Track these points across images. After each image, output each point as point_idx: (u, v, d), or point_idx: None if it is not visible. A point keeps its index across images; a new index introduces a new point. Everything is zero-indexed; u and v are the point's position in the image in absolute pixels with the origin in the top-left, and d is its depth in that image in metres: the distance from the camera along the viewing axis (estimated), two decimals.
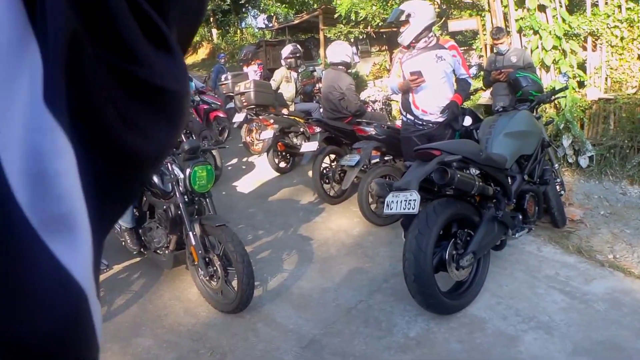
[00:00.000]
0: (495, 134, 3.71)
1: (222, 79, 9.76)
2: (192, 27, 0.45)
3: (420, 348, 2.97)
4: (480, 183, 3.24)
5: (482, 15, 7.89)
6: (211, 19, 22.59)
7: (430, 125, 4.15)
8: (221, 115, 8.15)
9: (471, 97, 6.87)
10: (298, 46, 8.18)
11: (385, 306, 3.43)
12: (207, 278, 3.47)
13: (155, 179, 3.63)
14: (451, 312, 3.23)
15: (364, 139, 5.02)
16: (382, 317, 3.31)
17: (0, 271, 0.26)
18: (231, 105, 8.45)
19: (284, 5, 19.65)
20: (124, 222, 3.90)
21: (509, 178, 3.63)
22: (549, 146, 4.26)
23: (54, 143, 0.29)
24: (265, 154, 6.57)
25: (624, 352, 2.76)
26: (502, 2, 6.85)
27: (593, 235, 4.27)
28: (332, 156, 5.65)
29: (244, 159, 7.63)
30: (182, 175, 3.48)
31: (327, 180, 5.44)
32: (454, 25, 8.48)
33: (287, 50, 7.84)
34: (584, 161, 5.65)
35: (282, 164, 6.77)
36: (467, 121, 4.31)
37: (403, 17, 3.97)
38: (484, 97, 7.47)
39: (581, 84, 6.47)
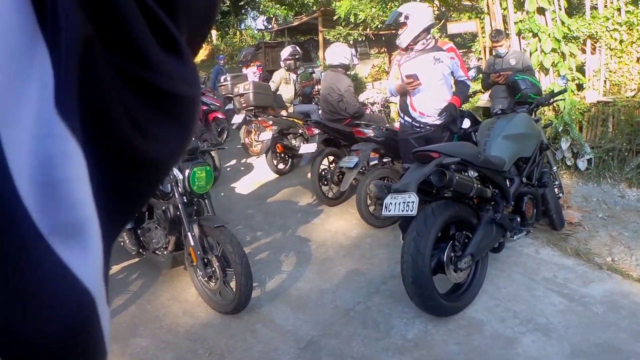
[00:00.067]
0: (493, 136, 3.72)
1: (221, 80, 9.78)
2: (203, 30, 0.44)
3: (418, 350, 2.97)
4: (479, 185, 3.24)
5: (482, 17, 7.90)
6: None
7: (428, 127, 4.15)
8: (220, 116, 8.17)
9: (470, 99, 6.87)
10: (297, 48, 8.20)
11: (383, 308, 3.43)
12: (206, 279, 3.47)
13: None
14: (449, 314, 3.23)
15: (362, 141, 5.03)
16: (380, 319, 3.31)
17: (7, 273, 0.26)
18: (230, 106, 8.47)
19: (283, 7, 19.64)
20: None
21: (507, 180, 3.64)
22: (548, 149, 4.27)
23: (65, 150, 0.29)
24: (264, 155, 6.57)
25: (622, 355, 2.76)
26: (501, 4, 6.86)
27: (591, 237, 4.28)
28: (331, 158, 5.66)
29: (243, 160, 7.63)
30: (181, 176, 3.48)
31: (325, 182, 5.44)
32: (453, 27, 8.49)
33: (286, 52, 7.85)
34: (582, 164, 5.66)
35: (281, 166, 6.78)
36: (466, 123, 4.31)
37: (401, 20, 3.98)
38: (483, 99, 7.48)
39: (580, 87, 6.48)
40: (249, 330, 3.27)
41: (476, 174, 3.35)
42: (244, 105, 6.92)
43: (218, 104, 8.48)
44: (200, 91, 0.42)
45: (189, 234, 3.38)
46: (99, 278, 0.32)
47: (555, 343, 2.90)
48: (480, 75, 6.66)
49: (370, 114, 6.70)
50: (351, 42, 12.09)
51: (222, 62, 11.92)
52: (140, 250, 4.02)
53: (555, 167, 4.67)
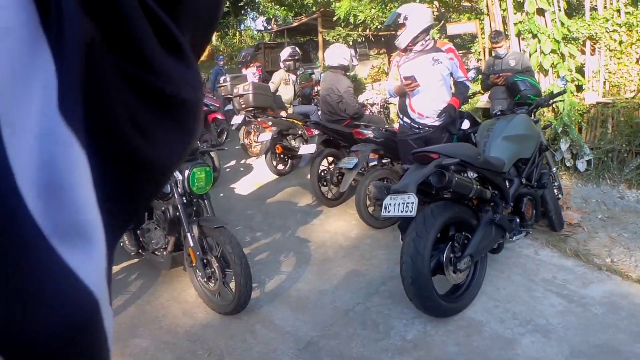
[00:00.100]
0: (493, 137, 3.72)
1: (221, 81, 9.78)
2: (206, 33, 0.44)
3: (417, 351, 2.97)
4: (478, 186, 3.24)
5: (481, 18, 7.91)
6: None
7: (427, 128, 4.15)
8: (219, 117, 8.17)
9: (469, 100, 6.88)
10: (297, 49, 8.20)
11: (382, 309, 3.43)
12: (205, 279, 3.47)
13: None
14: (448, 315, 3.23)
15: (362, 142, 5.03)
16: (380, 320, 3.31)
17: (7, 273, 0.26)
18: (230, 107, 8.47)
19: (283, 7, 19.65)
20: None
21: (506, 181, 3.64)
22: (547, 150, 4.27)
23: (69, 154, 0.29)
24: (264, 156, 6.57)
25: (621, 356, 2.77)
26: (500, 5, 6.87)
27: (591, 238, 4.28)
28: (330, 159, 5.66)
29: (242, 161, 7.64)
30: (180, 177, 3.48)
31: (325, 183, 5.44)
32: (452, 28, 8.50)
33: (285, 52, 7.85)
34: (581, 165, 5.66)
35: (280, 166, 6.78)
36: (465, 124, 4.31)
37: (400, 20, 3.98)
38: (482, 100, 7.48)
39: (579, 88, 6.48)
40: (248, 331, 3.27)
41: (475, 175, 3.36)
42: (243, 106, 6.92)
43: (217, 105, 8.48)
44: (203, 95, 0.42)
45: (188, 234, 3.38)
46: (103, 280, 0.32)
47: (554, 344, 2.90)
48: (480, 77, 6.67)
49: (370, 115, 6.69)
50: (351, 43, 12.10)
51: (221, 62, 11.92)
52: (140, 250, 4.02)
53: (554, 168, 4.67)
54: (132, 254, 4.08)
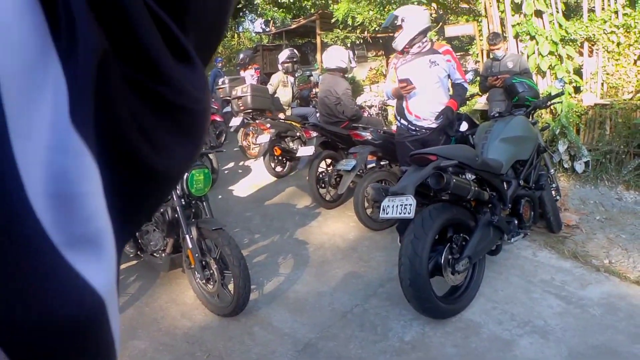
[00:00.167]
0: (491, 139, 3.72)
1: (219, 83, 9.77)
2: (212, 42, 0.44)
3: (415, 352, 2.97)
4: (476, 188, 3.25)
5: (479, 20, 7.92)
6: None
7: (424, 130, 4.15)
8: (218, 119, 8.17)
9: (467, 102, 6.89)
10: (295, 51, 8.21)
11: (380, 310, 3.44)
12: (204, 281, 3.46)
13: None
14: (446, 316, 3.23)
15: (360, 144, 5.03)
16: (378, 321, 3.31)
17: (15, 277, 0.27)
18: (228, 109, 8.46)
19: (281, 9, 19.64)
20: None
21: (504, 183, 3.64)
22: (545, 151, 4.28)
23: (80, 164, 0.29)
24: (262, 158, 6.58)
25: (620, 357, 2.77)
26: (498, 7, 6.89)
27: (589, 240, 4.29)
28: (329, 161, 5.66)
29: (241, 163, 7.64)
30: None
31: (323, 185, 5.45)
32: (450, 30, 8.51)
33: (284, 54, 7.86)
34: (579, 166, 5.67)
35: (279, 168, 6.78)
36: (463, 126, 4.32)
37: (397, 22, 3.98)
38: (480, 102, 7.50)
39: (577, 90, 6.50)
40: (246, 333, 3.27)
41: (473, 177, 3.36)
42: (241, 108, 6.93)
43: (216, 107, 8.48)
44: (210, 102, 0.42)
45: (187, 236, 3.37)
46: (111, 284, 0.32)
47: (552, 345, 2.90)
48: (478, 78, 6.68)
49: (368, 117, 6.70)
50: (349, 45, 12.11)
51: (219, 64, 11.94)
52: (138, 252, 4.01)
53: (552, 170, 4.68)
54: (131, 255, 4.07)
